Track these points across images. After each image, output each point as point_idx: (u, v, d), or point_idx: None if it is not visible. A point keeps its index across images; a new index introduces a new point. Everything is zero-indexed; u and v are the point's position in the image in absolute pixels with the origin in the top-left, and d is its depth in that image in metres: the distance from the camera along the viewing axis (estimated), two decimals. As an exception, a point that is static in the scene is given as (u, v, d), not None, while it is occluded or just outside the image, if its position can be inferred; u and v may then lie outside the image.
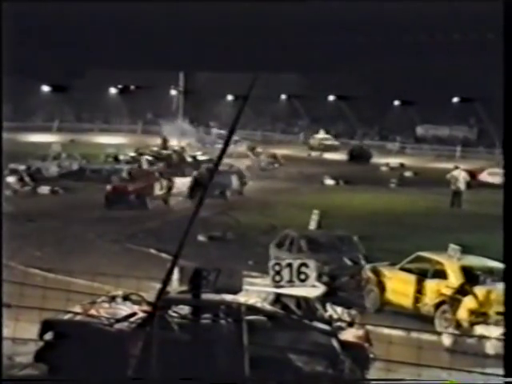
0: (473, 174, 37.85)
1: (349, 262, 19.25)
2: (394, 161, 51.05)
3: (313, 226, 23.37)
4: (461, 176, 32.48)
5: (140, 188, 31.89)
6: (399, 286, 17.37)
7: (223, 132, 57.40)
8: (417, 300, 16.90)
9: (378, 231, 25.11)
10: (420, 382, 10.15)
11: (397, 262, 18.24)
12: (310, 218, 23.57)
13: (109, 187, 31.96)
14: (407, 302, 17.06)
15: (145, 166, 38.78)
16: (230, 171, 35.57)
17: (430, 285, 16.69)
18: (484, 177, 40.24)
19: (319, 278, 15.45)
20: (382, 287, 17.73)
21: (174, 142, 50.46)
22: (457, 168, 33.61)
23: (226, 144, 10.65)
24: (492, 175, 38.92)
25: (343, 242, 20.25)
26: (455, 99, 62.28)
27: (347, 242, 20.22)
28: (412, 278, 17.21)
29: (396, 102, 68.40)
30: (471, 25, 42.68)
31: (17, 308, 10.86)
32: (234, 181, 35.39)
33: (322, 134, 60.49)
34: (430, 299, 16.54)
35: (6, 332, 12.24)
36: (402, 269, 17.64)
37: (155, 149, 46.72)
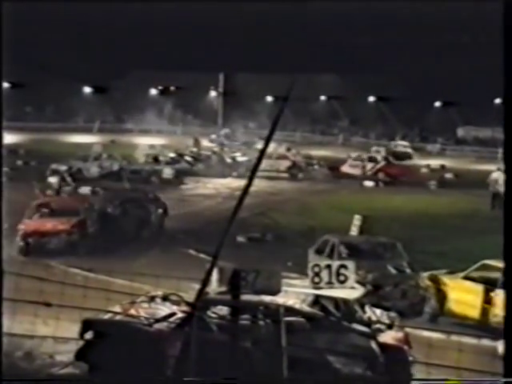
0: None
1: (393, 271, 18.51)
2: (435, 162, 50.60)
3: (354, 231, 22.30)
4: (501, 178, 32.10)
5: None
6: (464, 296, 16.56)
7: (228, 131, 57.52)
8: (484, 311, 16.11)
9: (417, 233, 24.93)
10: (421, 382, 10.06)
11: (442, 267, 17.76)
12: (351, 222, 22.99)
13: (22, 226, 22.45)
14: (473, 312, 16.23)
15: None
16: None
17: (501, 295, 15.31)
18: None
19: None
20: (442, 296, 16.99)
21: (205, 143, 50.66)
22: (497, 170, 33.26)
23: (266, 145, 10.66)
24: None
25: (386, 248, 19.53)
26: (497, 100, 61.71)
27: (391, 249, 19.48)
28: (479, 287, 16.40)
29: (437, 103, 67.88)
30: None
31: (58, 307, 10.97)
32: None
33: (399, 141, 59.67)
34: (501, 310, 15.57)
35: (47, 331, 12.42)
36: (466, 278, 16.82)
37: (195, 150, 46.90)
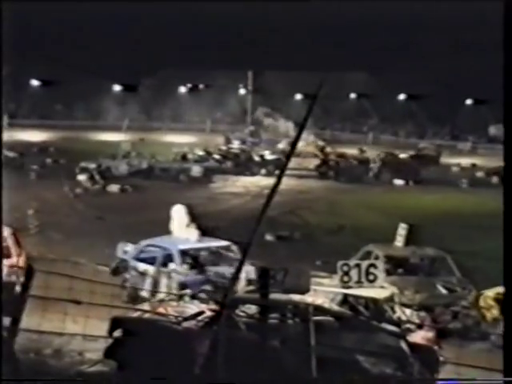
0: None
1: (443, 290, 17.04)
2: (466, 161, 50.23)
3: (400, 242, 19.89)
4: None
5: None
6: None
7: (253, 129, 57.33)
8: None
9: (448, 233, 24.72)
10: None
11: (473, 267, 17.20)
12: (381, 222, 22.07)
13: None
14: None
15: None
16: None
17: None
18: None
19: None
20: None
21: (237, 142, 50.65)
22: None
23: (295, 143, 10.60)
24: None
25: (435, 263, 18.13)
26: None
27: (440, 264, 18.04)
28: None
29: (468, 101, 67.36)
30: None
31: (87, 305, 10.97)
32: None
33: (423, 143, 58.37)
34: None
35: (76, 328, 12.44)
36: None
37: (223, 147, 46.93)
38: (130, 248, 18.76)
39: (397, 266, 17.59)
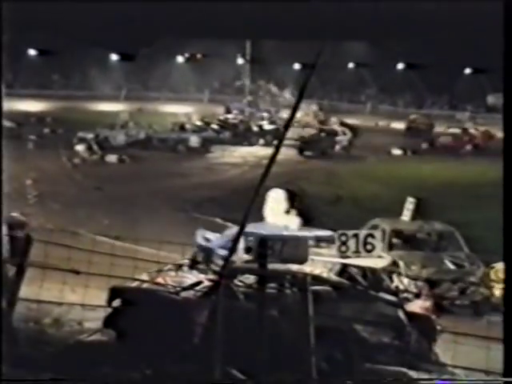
0: None
1: (451, 265, 16.70)
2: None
3: (407, 216, 19.55)
4: None
5: None
6: None
7: (251, 99, 57.02)
8: None
9: (446, 202, 24.74)
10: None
11: (472, 236, 17.06)
12: (379, 192, 21.92)
13: None
14: None
15: None
16: None
17: None
18: None
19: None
20: None
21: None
22: None
23: (293, 113, 10.57)
24: None
25: (443, 238, 17.80)
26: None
27: (448, 239, 17.72)
28: None
29: (467, 70, 67.00)
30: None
31: (86, 275, 11.02)
32: None
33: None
34: None
35: (74, 298, 12.49)
36: None
37: (221, 118, 46.79)
38: (212, 236, 17.65)
39: (404, 240, 17.33)
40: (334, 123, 46.38)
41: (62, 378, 10.56)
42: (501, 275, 15.15)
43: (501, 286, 15.01)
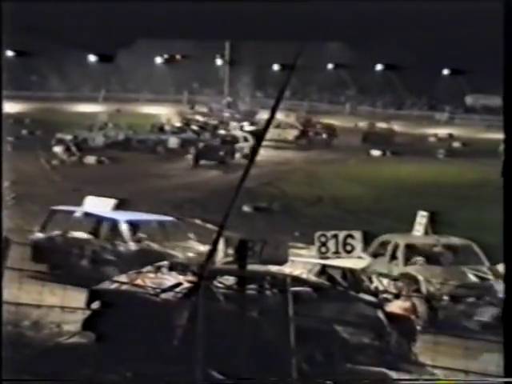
0: None
1: (474, 278, 15.79)
2: (443, 131, 50.34)
3: (419, 231, 18.42)
4: None
5: None
6: None
7: (230, 100, 57.14)
8: None
9: (425, 203, 24.81)
10: (417, 382, 10.03)
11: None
12: (361, 193, 21.77)
13: None
14: None
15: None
16: None
17: None
18: None
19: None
20: None
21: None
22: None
23: (272, 114, 10.56)
24: None
25: (459, 251, 16.90)
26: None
27: (466, 252, 16.79)
28: None
29: (445, 71, 67.32)
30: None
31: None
32: None
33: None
34: None
35: (54, 300, 12.42)
36: None
37: (201, 119, 46.74)
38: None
39: (420, 255, 16.49)
40: (315, 123, 46.44)
41: (62, 379, 10.53)
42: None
43: None
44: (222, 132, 38.57)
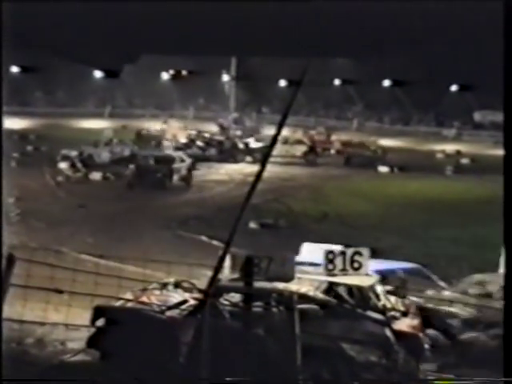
0: None
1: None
2: (451, 147, 50.26)
3: None
4: None
5: None
6: None
7: (236, 116, 57.19)
8: None
9: (433, 219, 24.75)
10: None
11: (457, 253, 16.96)
12: (366, 209, 21.37)
13: None
14: None
15: None
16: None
17: None
18: None
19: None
20: None
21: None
22: None
23: (279, 130, 10.48)
24: None
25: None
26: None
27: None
28: None
29: (453, 87, 67.35)
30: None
31: (69, 294, 10.87)
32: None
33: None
34: None
35: (58, 318, 12.31)
36: None
37: (207, 135, 46.77)
38: None
39: None
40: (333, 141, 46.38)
41: (63, 379, 10.43)
42: None
43: None
44: (156, 154, 35.09)
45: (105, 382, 10.69)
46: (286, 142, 41.67)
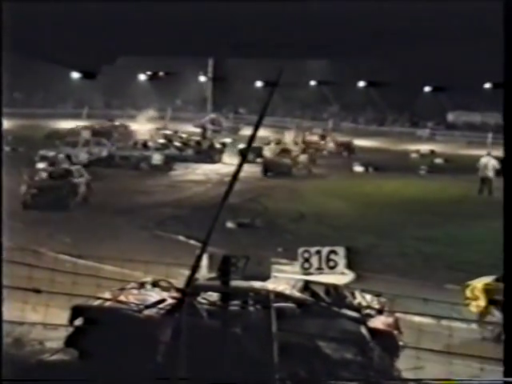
0: None
1: None
2: (425, 147, 50.60)
3: None
4: (490, 163, 32.21)
5: None
6: None
7: (214, 116, 57.25)
8: None
9: (408, 219, 24.97)
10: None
11: (432, 252, 17.03)
12: (343, 208, 21.62)
13: None
14: None
15: None
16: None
17: None
18: None
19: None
20: None
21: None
22: (486, 155, 33.31)
23: (255, 130, 10.61)
24: None
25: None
26: (487, 85, 61.78)
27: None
28: None
29: (427, 88, 67.79)
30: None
31: (47, 294, 10.93)
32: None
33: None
34: None
35: (36, 317, 12.38)
36: None
37: (184, 135, 46.83)
38: None
39: None
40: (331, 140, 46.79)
41: (62, 379, 10.48)
42: (477, 293, 15.10)
43: (476, 303, 15.07)
44: (52, 168, 30.09)
45: (83, 382, 10.77)
46: (278, 143, 42.84)
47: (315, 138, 46.96)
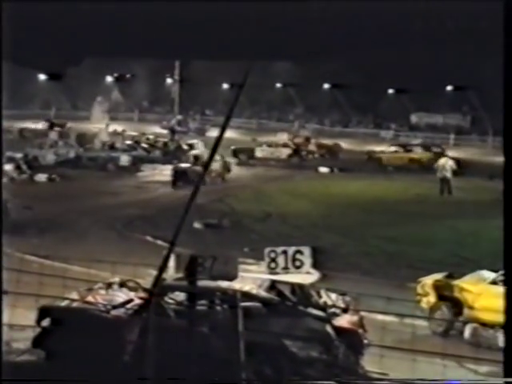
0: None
1: None
2: (389, 149, 50.94)
3: None
4: (447, 164, 32.99)
5: None
6: (493, 301, 13.83)
7: (180, 118, 57.26)
8: None
9: (371, 218, 25.21)
10: (417, 382, 10.22)
11: (394, 251, 17.33)
12: (307, 208, 21.92)
13: None
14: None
15: None
16: None
17: None
18: None
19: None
20: (459, 305, 14.96)
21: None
22: (444, 156, 35.03)
23: (222, 132, 10.74)
24: None
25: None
26: (449, 87, 62.39)
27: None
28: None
29: (390, 90, 68.36)
30: (465, 13, 42.69)
31: (14, 295, 10.95)
32: None
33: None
34: None
35: (3, 318, 12.36)
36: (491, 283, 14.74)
37: (151, 137, 46.79)
38: None
39: None
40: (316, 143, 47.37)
41: (62, 379, 10.49)
42: (427, 289, 15.47)
43: (427, 299, 15.44)
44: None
45: (50, 382, 10.79)
46: (270, 144, 44.30)
47: (301, 140, 47.39)
